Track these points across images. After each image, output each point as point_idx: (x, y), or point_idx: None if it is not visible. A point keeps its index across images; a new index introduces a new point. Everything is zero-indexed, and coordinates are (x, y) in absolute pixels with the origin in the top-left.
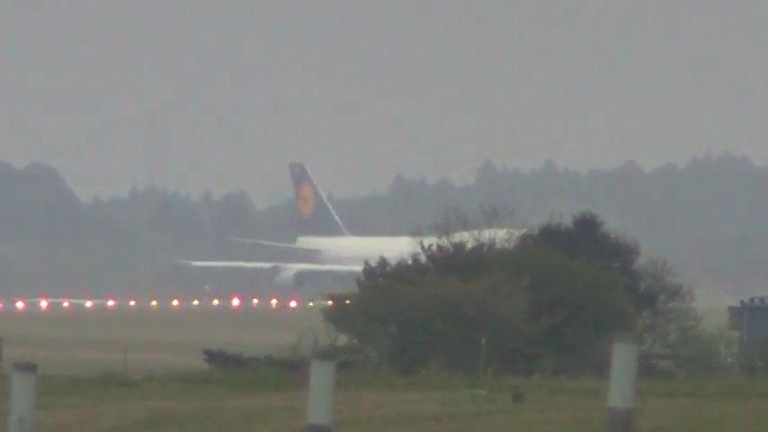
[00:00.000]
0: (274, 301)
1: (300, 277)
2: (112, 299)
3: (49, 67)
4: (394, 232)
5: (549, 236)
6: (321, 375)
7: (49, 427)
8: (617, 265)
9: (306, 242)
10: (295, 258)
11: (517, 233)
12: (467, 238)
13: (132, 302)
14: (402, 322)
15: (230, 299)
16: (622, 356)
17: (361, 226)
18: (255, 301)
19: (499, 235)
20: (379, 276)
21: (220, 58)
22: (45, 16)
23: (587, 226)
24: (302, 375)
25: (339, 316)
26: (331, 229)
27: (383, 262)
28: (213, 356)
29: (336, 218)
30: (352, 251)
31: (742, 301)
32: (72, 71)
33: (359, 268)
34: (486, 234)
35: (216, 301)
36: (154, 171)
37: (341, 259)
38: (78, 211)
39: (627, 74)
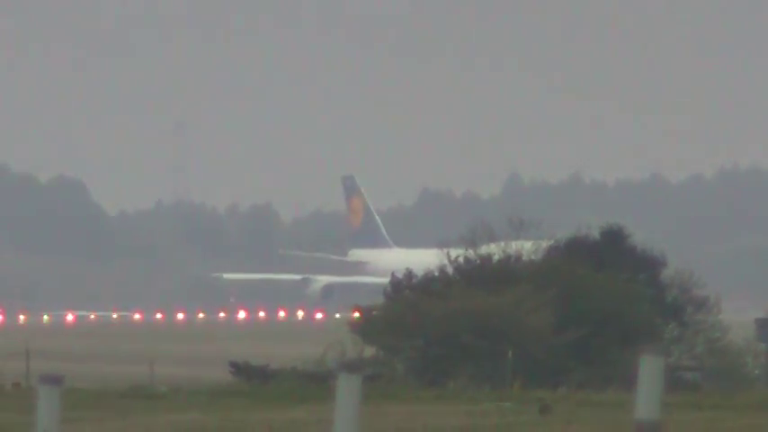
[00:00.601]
0: (301, 314)
1: (328, 289)
2: (139, 312)
3: (73, 78)
4: (420, 245)
5: (576, 248)
6: (347, 388)
7: None
8: (643, 277)
9: (357, 255)
10: (347, 271)
11: (544, 245)
12: (494, 250)
13: (158, 315)
14: (429, 335)
15: (257, 311)
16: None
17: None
18: (282, 313)
19: (526, 247)
20: (406, 288)
21: (246, 68)
22: (68, 28)
23: (614, 238)
24: (328, 388)
25: (366, 328)
26: (378, 242)
27: (410, 274)
28: (239, 369)
29: (383, 230)
30: (397, 263)
31: None
32: (96, 82)
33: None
34: (513, 246)
35: (242, 314)
36: (179, 183)
37: (387, 272)
38: (104, 223)
39: (653, 84)
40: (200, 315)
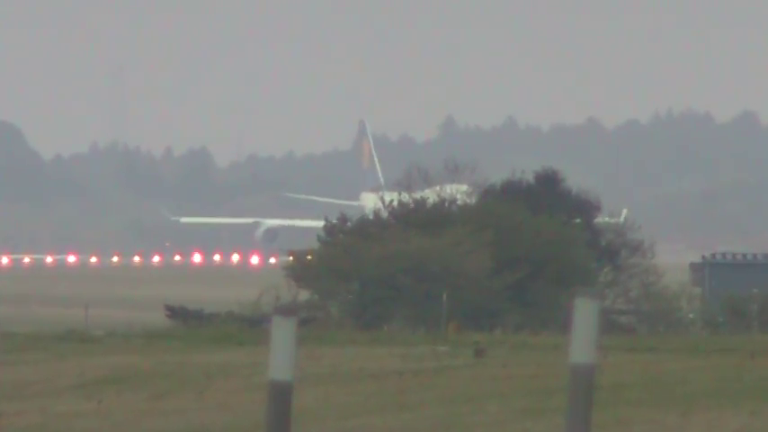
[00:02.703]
0: (236, 257)
1: (271, 233)
2: (73, 254)
3: (6, 21)
4: (357, 187)
5: (511, 191)
6: (282, 331)
7: (12, 384)
8: (579, 221)
9: (367, 198)
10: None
11: (479, 189)
12: (429, 194)
13: (93, 259)
14: (364, 278)
15: (206, 256)
16: (584, 312)
17: (323, 182)
18: (216, 257)
19: (461, 191)
20: (340, 232)
21: (183, 12)
22: None
23: (549, 182)
24: (263, 331)
25: (301, 272)
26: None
27: (344, 217)
28: (175, 312)
29: (380, 175)
30: None
31: (704, 257)
32: (32, 26)
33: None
34: (448, 190)
35: (177, 257)
36: (115, 126)
37: None
38: (40, 167)
39: (588, 30)
40: (136, 258)
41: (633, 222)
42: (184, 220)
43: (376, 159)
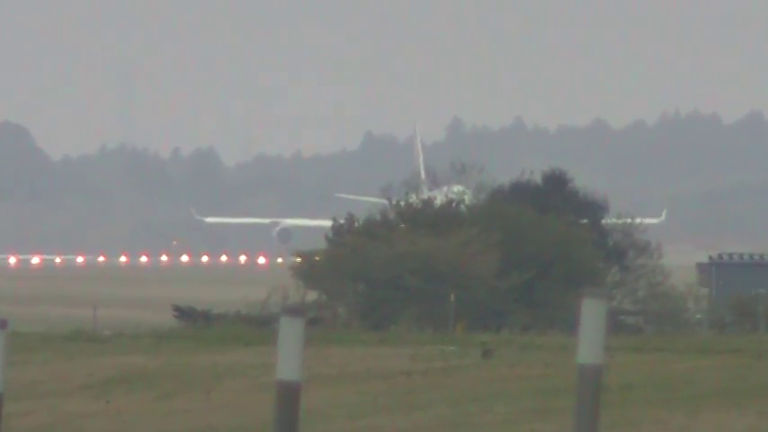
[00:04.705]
0: (243, 258)
1: (285, 233)
2: (82, 255)
3: (16, 22)
4: (363, 189)
5: (519, 192)
6: (290, 331)
7: (21, 384)
8: (586, 222)
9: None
10: None
11: (487, 190)
12: (436, 194)
13: (102, 259)
14: (372, 279)
15: (200, 255)
16: (591, 312)
17: (331, 183)
18: (224, 257)
19: (468, 191)
20: (348, 233)
21: (192, 15)
22: None
23: (556, 182)
24: (271, 332)
25: (308, 272)
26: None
27: (351, 218)
28: (183, 313)
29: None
30: None
31: (710, 258)
32: (41, 28)
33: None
34: (456, 190)
35: (185, 258)
36: (123, 128)
37: None
38: (48, 168)
39: (596, 31)
40: (144, 258)
41: (640, 223)
42: (209, 220)
43: (421, 160)
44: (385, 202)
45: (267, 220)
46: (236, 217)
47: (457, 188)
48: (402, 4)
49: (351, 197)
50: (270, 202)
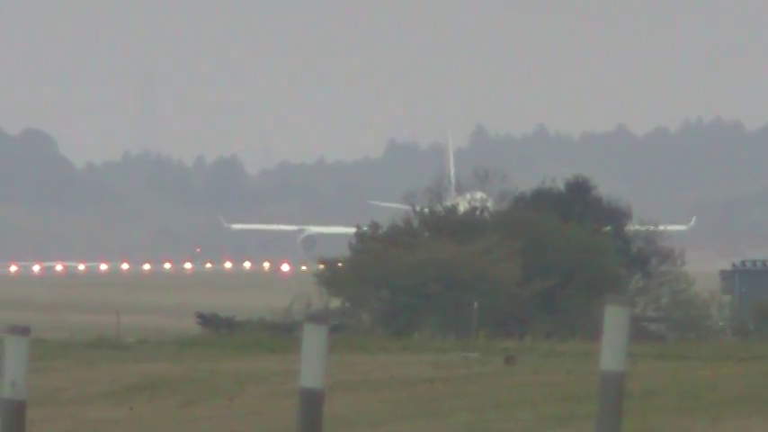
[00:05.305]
0: (266, 265)
1: (310, 241)
2: (105, 262)
3: (41, 32)
4: (386, 196)
5: (542, 199)
6: (314, 339)
7: (44, 391)
8: (609, 229)
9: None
10: None
11: (509, 197)
12: (459, 201)
13: (125, 265)
14: (394, 286)
15: (223, 262)
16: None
17: (354, 190)
18: (247, 264)
19: (491, 198)
20: (371, 240)
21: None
22: None
23: (579, 189)
24: (295, 339)
25: (331, 280)
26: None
27: (375, 225)
28: (206, 320)
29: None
30: None
31: (733, 265)
32: (65, 35)
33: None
34: (478, 197)
35: (208, 264)
36: (146, 135)
37: None
38: (72, 175)
39: (618, 38)
40: (167, 265)
41: (663, 230)
42: (236, 226)
43: (452, 165)
44: (417, 208)
45: (293, 227)
46: (260, 224)
47: (479, 195)
48: (425, 12)
49: (383, 204)
50: (292, 210)
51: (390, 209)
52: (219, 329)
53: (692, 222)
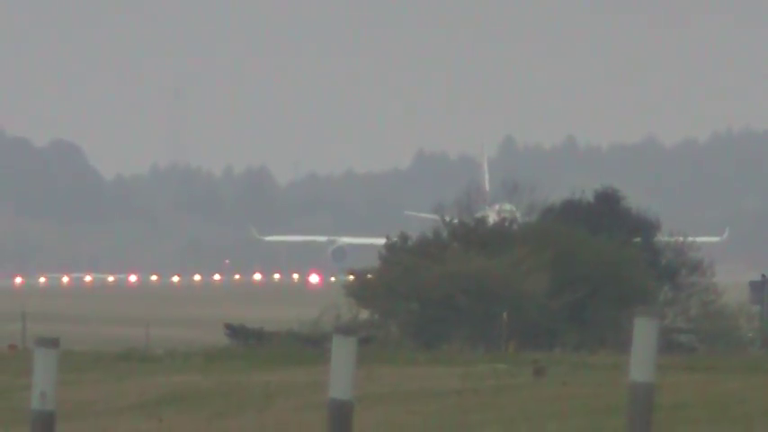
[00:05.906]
0: (296, 276)
1: (339, 252)
2: (134, 274)
3: (69, 43)
4: (416, 207)
5: (571, 211)
6: (343, 351)
7: (73, 403)
8: (638, 240)
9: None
10: None
11: (538, 208)
12: (488, 212)
13: (154, 278)
14: (424, 298)
15: (252, 274)
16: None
17: (383, 201)
18: (277, 276)
19: (520, 210)
20: (401, 251)
21: (242, 35)
22: None
23: (609, 201)
24: (324, 351)
25: (360, 291)
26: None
27: (404, 237)
28: (235, 331)
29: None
30: None
31: (763, 276)
32: (94, 47)
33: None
34: (507, 209)
35: (237, 276)
36: (175, 147)
37: None
38: (100, 187)
39: (646, 48)
40: (196, 277)
41: (692, 241)
42: (268, 238)
43: (486, 179)
44: (447, 219)
45: (324, 238)
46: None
47: (508, 206)
48: (454, 24)
49: (421, 215)
50: (322, 221)
51: (422, 220)
52: (248, 340)
53: (726, 234)
